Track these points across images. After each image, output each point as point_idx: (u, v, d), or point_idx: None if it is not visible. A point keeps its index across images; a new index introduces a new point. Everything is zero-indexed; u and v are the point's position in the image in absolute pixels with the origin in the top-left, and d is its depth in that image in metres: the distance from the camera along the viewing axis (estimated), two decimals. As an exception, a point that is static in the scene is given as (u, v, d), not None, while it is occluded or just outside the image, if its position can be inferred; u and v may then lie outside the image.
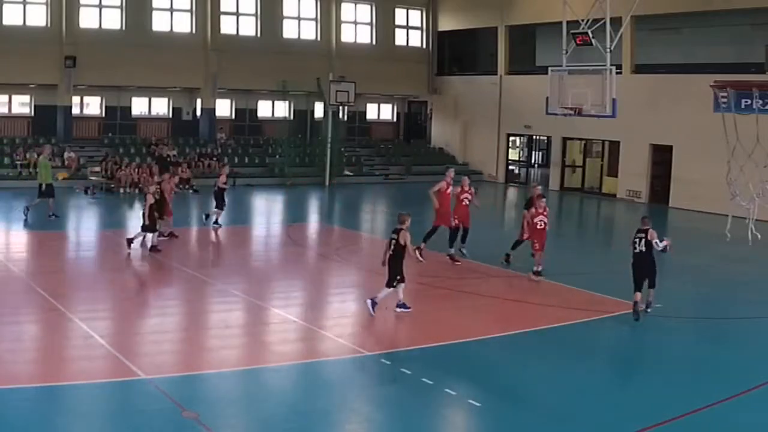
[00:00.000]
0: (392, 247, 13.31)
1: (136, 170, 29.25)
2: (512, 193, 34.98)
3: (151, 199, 17.88)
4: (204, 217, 21.37)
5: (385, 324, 13.35)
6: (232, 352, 11.58)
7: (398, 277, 13.28)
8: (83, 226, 21.31)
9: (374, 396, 10.16)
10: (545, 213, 16.64)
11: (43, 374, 10.14)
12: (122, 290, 14.55)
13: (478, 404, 9.71)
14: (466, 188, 17.99)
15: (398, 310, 13.45)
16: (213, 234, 20.51)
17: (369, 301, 13.29)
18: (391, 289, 13.33)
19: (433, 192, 17.99)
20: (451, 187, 18.06)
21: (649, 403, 9.85)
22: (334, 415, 9.45)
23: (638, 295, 13.58)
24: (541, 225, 16.44)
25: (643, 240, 13.58)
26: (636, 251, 13.70)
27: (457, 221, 17.89)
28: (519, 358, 11.75)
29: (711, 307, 15.49)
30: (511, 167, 37.88)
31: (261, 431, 8.99)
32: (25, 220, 21.11)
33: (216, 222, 20.80)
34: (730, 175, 16.06)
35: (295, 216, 26.33)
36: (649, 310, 13.78)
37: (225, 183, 21.07)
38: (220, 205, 20.90)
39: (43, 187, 21.50)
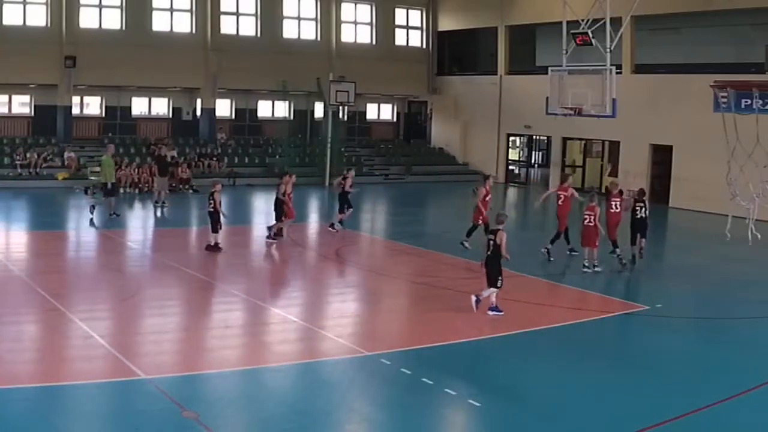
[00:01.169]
0: (491, 247, 13.33)
1: (136, 170, 29.30)
2: (512, 193, 34.97)
3: (218, 198, 18.06)
4: (330, 226, 21.78)
5: (385, 324, 13.37)
6: (232, 352, 11.57)
7: (500, 277, 13.32)
8: (83, 225, 21.35)
9: (374, 396, 10.15)
10: (589, 210, 16.99)
11: (43, 374, 10.13)
12: (122, 290, 14.54)
13: (477, 404, 9.70)
14: (488, 188, 18.94)
15: (491, 313, 13.42)
16: (334, 234, 21.13)
17: (474, 297, 13.36)
18: (495, 289, 13.37)
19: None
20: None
21: (649, 403, 9.85)
22: (334, 415, 9.44)
23: (633, 247, 17.69)
24: (587, 221, 17.04)
25: (644, 208, 17.62)
26: (638, 217, 17.58)
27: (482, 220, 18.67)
28: (519, 358, 11.74)
29: (711, 307, 15.47)
30: (511, 167, 37.90)
31: (261, 431, 8.99)
32: (92, 219, 21.70)
33: (340, 222, 21.57)
34: (730, 175, 16.02)
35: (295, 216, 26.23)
36: (641, 257, 17.74)
37: (351, 186, 21.63)
38: (349, 206, 21.68)
39: (109, 185, 22.33)
